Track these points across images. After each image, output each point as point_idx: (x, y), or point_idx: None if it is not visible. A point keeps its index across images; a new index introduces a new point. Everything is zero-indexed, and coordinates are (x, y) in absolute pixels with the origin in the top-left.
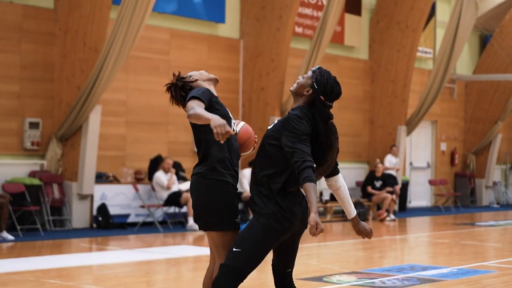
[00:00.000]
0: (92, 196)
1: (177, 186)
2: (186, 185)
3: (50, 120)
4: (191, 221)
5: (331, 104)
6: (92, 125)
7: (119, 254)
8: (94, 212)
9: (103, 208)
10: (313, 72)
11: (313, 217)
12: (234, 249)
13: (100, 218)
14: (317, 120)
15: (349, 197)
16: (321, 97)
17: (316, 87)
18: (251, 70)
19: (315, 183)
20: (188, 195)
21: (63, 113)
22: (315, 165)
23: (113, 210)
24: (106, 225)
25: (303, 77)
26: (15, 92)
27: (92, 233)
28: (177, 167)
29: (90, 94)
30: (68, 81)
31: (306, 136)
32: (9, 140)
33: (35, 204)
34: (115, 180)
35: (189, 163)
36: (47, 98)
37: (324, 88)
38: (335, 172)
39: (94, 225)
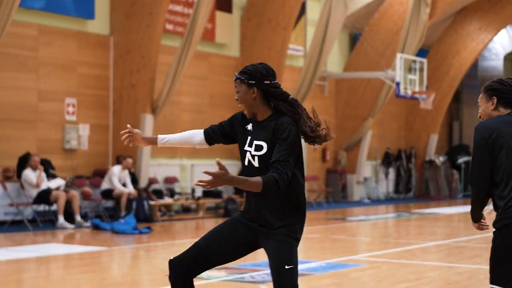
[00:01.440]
0: None
1: (46, 184)
2: (55, 183)
3: None
4: (61, 219)
5: (276, 81)
6: None
7: None
8: None
9: None
10: (238, 78)
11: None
12: (287, 267)
13: None
14: (281, 110)
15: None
16: (266, 82)
17: (254, 81)
18: (121, 66)
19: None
20: (58, 193)
21: None
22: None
23: None
24: None
25: (237, 92)
26: None
27: None
28: (46, 164)
29: None
30: None
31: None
32: None
33: None
34: None
35: (59, 160)
36: None
37: (260, 74)
38: None
39: None
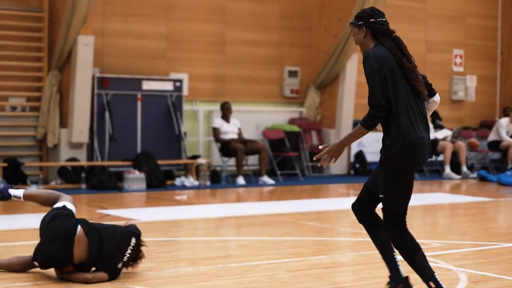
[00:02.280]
0: None
1: (433, 134)
2: (442, 133)
3: (308, 69)
4: (447, 169)
5: (381, 19)
6: (349, 74)
7: None
8: (352, 159)
9: (360, 155)
10: (351, 22)
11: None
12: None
13: (357, 165)
14: (385, 44)
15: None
16: (371, 20)
17: (361, 21)
18: (510, 17)
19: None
20: (445, 143)
21: (320, 62)
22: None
23: (370, 157)
24: (363, 171)
25: (353, 36)
26: (274, 42)
27: (349, 179)
28: (434, 115)
29: (347, 43)
30: (325, 30)
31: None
32: (270, 88)
33: (294, 150)
34: None
35: (446, 111)
36: (305, 47)
37: (366, 15)
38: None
39: (352, 172)
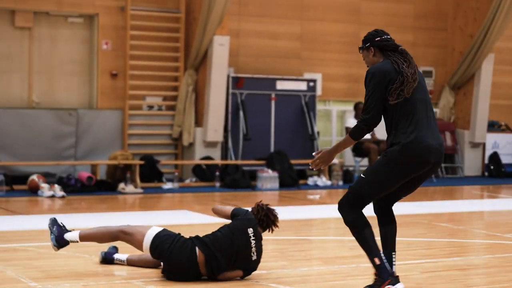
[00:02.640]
0: (484, 145)
1: None
2: None
3: (443, 69)
4: None
5: (385, 36)
6: (484, 74)
7: (510, 202)
8: (486, 161)
9: (494, 156)
10: (360, 48)
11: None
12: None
13: (491, 167)
14: (390, 57)
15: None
16: (376, 39)
17: (368, 43)
18: None
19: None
20: None
21: (455, 62)
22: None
23: (505, 159)
24: (498, 173)
25: (364, 60)
26: (409, 42)
27: (483, 181)
28: None
29: (482, 43)
30: (461, 30)
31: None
32: None
33: None
34: (507, 129)
35: None
36: (440, 47)
37: (371, 36)
38: None
39: (486, 173)
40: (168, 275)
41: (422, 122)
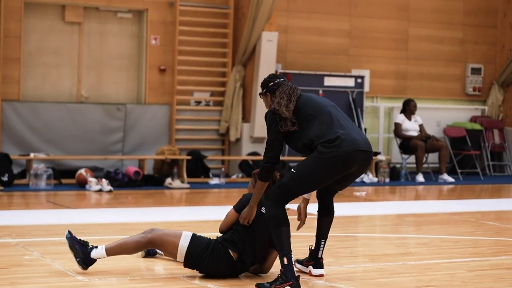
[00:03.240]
0: None
1: None
2: None
3: (492, 66)
4: None
5: (280, 80)
6: None
7: None
8: None
9: None
10: (259, 94)
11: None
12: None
13: None
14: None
15: None
16: (270, 85)
17: (264, 89)
18: None
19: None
20: None
21: (505, 59)
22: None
23: None
24: None
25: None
26: (458, 38)
27: None
28: None
29: None
30: (511, 27)
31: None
32: (452, 85)
33: (476, 148)
34: None
35: None
36: (489, 44)
37: (266, 82)
38: None
39: None
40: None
41: (342, 122)
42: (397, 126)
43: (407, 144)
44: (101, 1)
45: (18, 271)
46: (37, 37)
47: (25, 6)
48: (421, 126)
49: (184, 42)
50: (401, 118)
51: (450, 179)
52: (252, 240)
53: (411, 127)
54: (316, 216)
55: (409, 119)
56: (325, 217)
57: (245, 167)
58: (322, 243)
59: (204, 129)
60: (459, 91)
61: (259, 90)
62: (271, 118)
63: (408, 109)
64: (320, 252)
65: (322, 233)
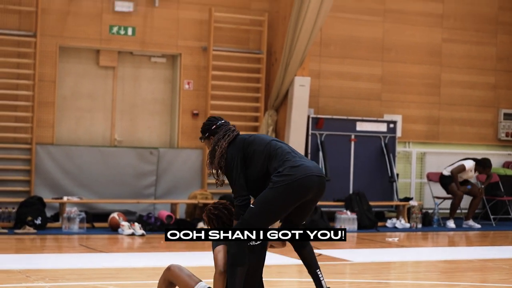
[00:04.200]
0: None
1: None
2: None
3: None
4: None
5: (222, 121)
6: None
7: None
8: None
9: None
10: (200, 138)
11: None
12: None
13: None
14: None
15: None
16: (213, 127)
17: (207, 133)
18: None
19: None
20: None
21: None
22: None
23: None
24: None
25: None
26: (490, 84)
27: None
28: None
29: None
30: None
31: None
32: (484, 130)
33: (509, 194)
34: None
35: None
36: None
37: (207, 126)
38: None
39: None
40: None
41: (292, 153)
42: (460, 168)
43: (446, 188)
44: (135, 46)
45: None
46: (72, 81)
47: (60, 50)
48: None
49: (217, 86)
50: (469, 166)
51: (476, 225)
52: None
53: (469, 176)
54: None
55: (474, 172)
56: (303, 250)
57: None
58: (318, 273)
59: None
60: (492, 136)
61: (294, 133)
62: (232, 152)
63: (483, 170)
64: (323, 282)
65: (311, 265)
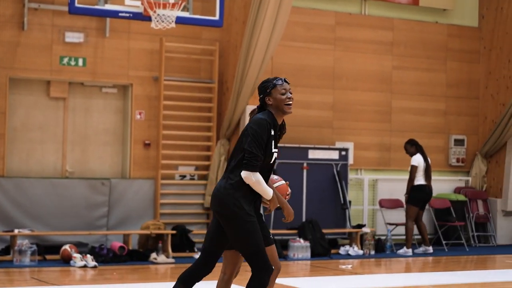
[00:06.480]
0: None
1: None
2: None
3: (475, 137)
4: None
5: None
6: None
7: None
8: None
9: None
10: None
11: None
12: None
13: None
14: None
15: None
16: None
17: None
18: None
19: None
20: None
21: (487, 130)
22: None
23: None
24: None
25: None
26: (441, 110)
27: None
28: None
29: None
30: (492, 98)
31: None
32: (435, 156)
33: (460, 219)
34: None
35: None
36: (472, 115)
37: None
38: None
39: None
40: None
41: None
42: (413, 169)
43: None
44: (86, 77)
45: None
46: (22, 112)
47: (10, 82)
48: None
49: (168, 116)
50: (417, 160)
51: (409, 253)
52: None
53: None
54: None
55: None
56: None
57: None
58: None
59: (189, 203)
60: (443, 162)
61: None
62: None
63: (416, 146)
64: None
65: None
